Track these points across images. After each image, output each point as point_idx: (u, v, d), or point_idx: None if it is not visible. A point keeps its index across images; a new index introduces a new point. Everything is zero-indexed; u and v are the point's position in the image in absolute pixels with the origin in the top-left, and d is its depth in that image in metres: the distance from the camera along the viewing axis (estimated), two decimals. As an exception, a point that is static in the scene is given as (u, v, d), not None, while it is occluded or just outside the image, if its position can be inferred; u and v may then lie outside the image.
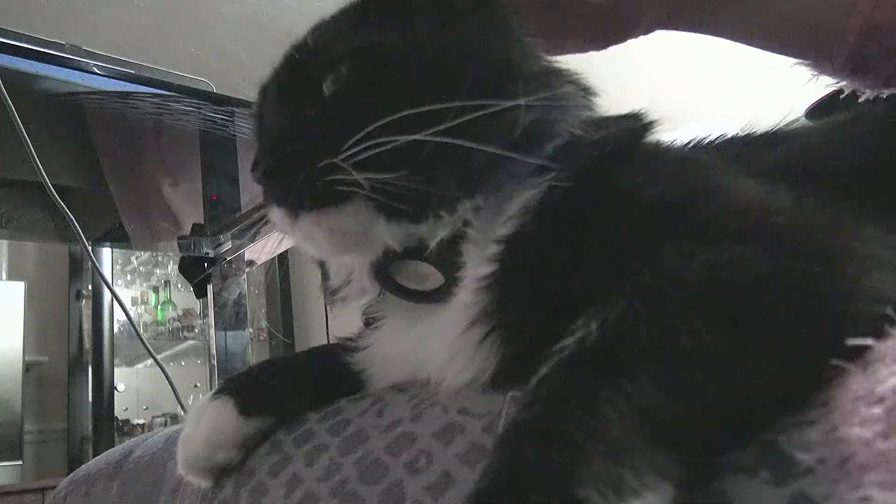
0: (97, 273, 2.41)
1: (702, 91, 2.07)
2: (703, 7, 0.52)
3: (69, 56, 0.90)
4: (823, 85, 0.53)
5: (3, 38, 0.85)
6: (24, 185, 1.02)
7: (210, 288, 1.28)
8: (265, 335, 3.23)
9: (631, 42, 0.55)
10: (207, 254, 1.28)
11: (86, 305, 2.90)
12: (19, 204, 1.13)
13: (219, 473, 0.45)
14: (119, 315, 2.93)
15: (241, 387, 0.46)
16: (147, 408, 3.18)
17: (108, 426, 2.77)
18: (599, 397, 0.24)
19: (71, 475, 0.67)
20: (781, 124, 0.46)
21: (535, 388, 0.26)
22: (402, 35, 0.40)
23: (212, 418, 0.44)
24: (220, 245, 1.27)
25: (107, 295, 2.79)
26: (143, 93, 0.95)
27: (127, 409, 3.12)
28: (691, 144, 0.43)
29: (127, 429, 3.04)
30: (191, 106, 0.97)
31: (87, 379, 2.83)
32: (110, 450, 0.66)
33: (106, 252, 2.84)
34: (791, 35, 0.52)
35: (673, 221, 0.32)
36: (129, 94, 0.94)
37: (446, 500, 0.32)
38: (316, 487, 0.39)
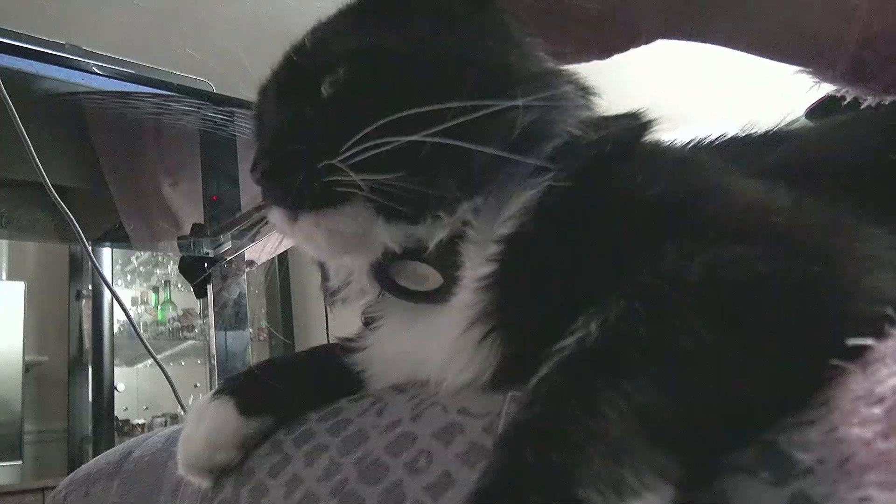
0: (97, 273, 2.41)
1: (702, 93, 2.07)
2: (702, 16, 0.52)
3: (69, 56, 0.90)
4: (824, 89, 0.53)
5: (3, 38, 0.85)
6: (24, 185, 1.02)
7: (210, 288, 1.28)
8: (265, 335, 3.23)
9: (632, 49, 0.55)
10: (207, 254, 1.28)
11: (86, 305, 2.90)
12: (19, 204, 1.13)
13: (219, 473, 0.45)
14: (119, 315, 2.93)
15: (241, 387, 0.46)
16: (147, 408, 3.18)
17: (108, 426, 2.77)
18: (599, 397, 0.24)
19: (71, 475, 0.67)
20: (781, 125, 0.46)
21: (535, 388, 0.26)
22: (400, 37, 0.40)
23: (212, 418, 0.44)
24: (220, 245, 1.27)
25: (107, 295, 2.80)
26: (143, 93, 0.95)
27: (127, 409, 3.13)
28: (691, 144, 0.43)
29: (127, 429, 3.04)
30: (191, 106, 0.97)
31: (87, 379, 2.84)
32: (110, 450, 0.66)
33: (106, 252, 2.84)
34: (790, 43, 0.52)
35: (673, 221, 0.32)
36: (129, 94, 0.94)
37: (446, 500, 0.32)
38: (316, 487, 0.39)
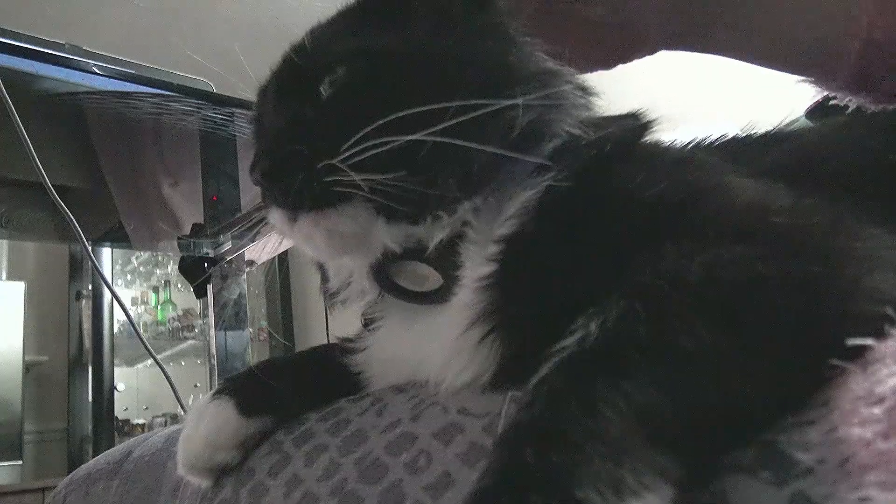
0: (97, 273, 2.41)
1: (702, 93, 2.07)
2: (706, 28, 0.53)
3: (69, 56, 0.90)
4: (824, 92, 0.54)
5: (3, 38, 0.85)
6: (24, 185, 1.02)
7: (210, 288, 1.28)
8: (265, 335, 3.23)
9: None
10: (207, 254, 1.28)
11: (86, 305, 2.90)
12: (19, 204, 1.13)
13: (219, 473, 0.45)
14: (119, 315, 2.93)
15: (241, 387, 0.46)
16: (147, 408, 3.18)
17: (108, 426, 2.78)
18: (599, 398, 0.24)
19: (71, 475, 0.67)
20: (781, 125, 0.46)
21: (535, 389, 0.26)
22: (399, 37, 0.40)
23: (212, 418, 0.44)
24: (220, 245, 1.27)
25: (107, 295, 2.80)
26: (143, 93, 0.95)
27: (127, 409, 3.13)
28: (691, 145, 0.43)
29: (127, 429, 3.04)
30: (191, 106, 0.97)
31: (87, 379, 2.84)
32: (110, 450, 0.66)
33: (106, 252, 2.84)
34: (793, 54, 0.52)
35: (672, 221, 0.32)
36: (129, 94, 0.94)
37: (446, 500, 0.32)
38: (316, 487, 0.39)
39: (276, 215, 0.40)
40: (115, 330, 2.91)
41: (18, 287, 2.75)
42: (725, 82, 1.90)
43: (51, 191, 0.88)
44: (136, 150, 1.12)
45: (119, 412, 2.98)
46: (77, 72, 0.89)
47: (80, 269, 2.95)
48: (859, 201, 0.31)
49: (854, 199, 0.32)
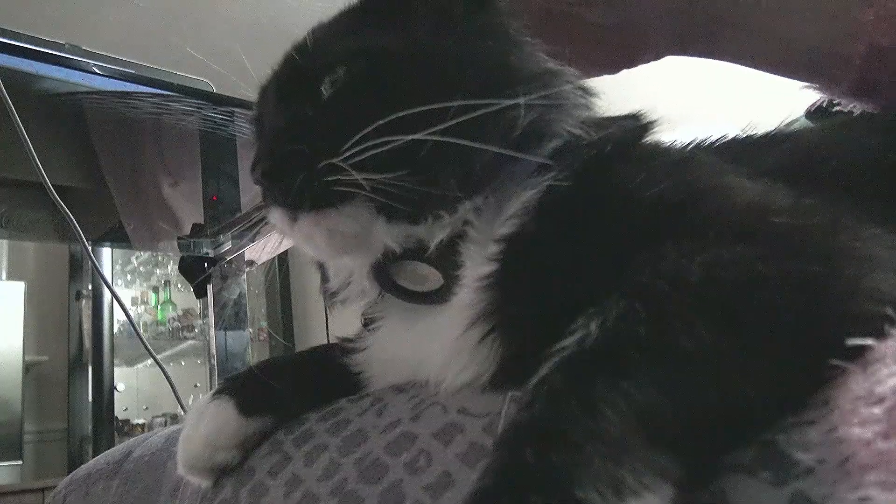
0: (97, 273, 2.41)
1: (702, 94, 2.07)
2: (710, 34, 0.53)
3: (69, 56, 0.90)
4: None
5: (3, 38, 0.85)
6: (24, 185, 1.02)
7: (210, 288, 1.28)
8: (265, 335, 3.23)
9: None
10: (207, 254, 1.28)
11: (86, 305, 2.90)
12: (19, 204, 1.13)
13: (219, 473, 0.45)
14: (119, 315, 2.93)
15: (241, 387, 0.46)
16: (147, 408, 3.18)
17: (108, 426, 2.78)
18: (599, 397, 0.24)
19: (71, 475, 0.67)
20: (781, 125, 0.46)
21: (535, 389, 0.26)
22: (400, 37, 0.40)
23: (212, 418, 0.44)
24: (220, 245, 1.27)
25: (107, 295, 2.80)
26: (143, 93, 0.95)
27: (127, 409, 3.13)
28: (691, 145, 0.43)
29: (127, 429, 3.04)
30: (191, 106, 0.97)
31: (87, 379, 2.84)
32: (110, 450, 0.66)
33: (106, 252, 2.84)
34: (797, 61, 0.52)
35: (673, 221, 0.32)
36: (129, 94, 0.94)
37: (446, 500, 0.32)
38: (316, 487, 0.39)
39: (276, 215, 0.40)
40: (115, 330, 2.91)
41: (18, 287, 2.75)
42: (725, 83, 1.90)
43: (51, 191, 0.88)
44: (136, 150, 1.12)
45: (119, 412, 2.98)
46: (77, 72, 0.89)
47: (80, 269, 2.95)
48: (859, 201, 0.31)
49: (854, 199, 0.32)
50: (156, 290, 3.42)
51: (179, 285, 3.34)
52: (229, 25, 2.07)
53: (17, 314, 2.68)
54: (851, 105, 0.52)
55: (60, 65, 0.88)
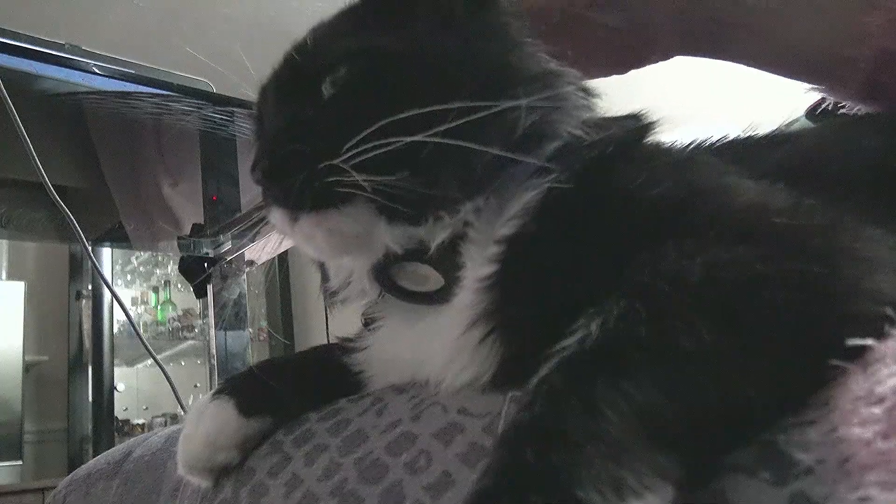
0: (97, 273, 2.42)
1: (703, 95, 2.07)
2: (718, 35, 0.53)
3: (69, 56, 0.90)
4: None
5: (3, 38, 0.85)
6: (24, 185, 1.02)
7: (210, 288, 1.28)
8: (265, 335, 3.23)
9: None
10: (207, 254, 1.28)
11: (86, 305, 2.90)
12: (19, 204, 1.13)
13: (219, 473, 0.45)
14: (119, 315, 2.93)
15: (241, 387, 0.46)
16: (147, 408, 3.18)
17: (108, 426, 2.78)
18: (599, 398, 0.24)
19: (71, 475, 0.67)
20: (782, 126, 0.46)
21: (535, 388, 0.26)
22: (401, 37, 0.40)
23: (212, 418, 0.44)
24: (220, 245, 1.27)
25: (107, 295, 2.80)
26: (143, 93, 0.95)
27: (127, 409, 3.12)
28: (692, 146, 0.43)
29: (127, 429, 3.04)
30: (191, 106, 0.97)
31: (87, 379, 2.84)
32: (110, 450, 0.66)
33: (106, 252, 2.84)
34: (804, 63, 0.52)
35: (673, 221, 0.32)
36: (129, 94, 0.94)
37: (446, 500, 0.32)
38: (316, 487, 0.39)
39: (276, 215, 0.40)
40: (115, 330, 2.91)
41: (18, 287, 2.75)
42: (726, 84, 1.90)
43: (51, 191, 0.88)
44: (136, 150, 1.12)
45: (119, 412, 2.98)
46: (77, 72, 0.89)
47: (80, 269, 2.95)
48: (860, 202, 0.31)
49: (855, 200, 0.32)
50: (156, 290, 3.42)
51: (179, 285, 3.34)
52: (229, 25, 2.07)
53: (17, 314, 2.68)
54: (857, 108, 0.52)
55: (60, 65, 0.88)
